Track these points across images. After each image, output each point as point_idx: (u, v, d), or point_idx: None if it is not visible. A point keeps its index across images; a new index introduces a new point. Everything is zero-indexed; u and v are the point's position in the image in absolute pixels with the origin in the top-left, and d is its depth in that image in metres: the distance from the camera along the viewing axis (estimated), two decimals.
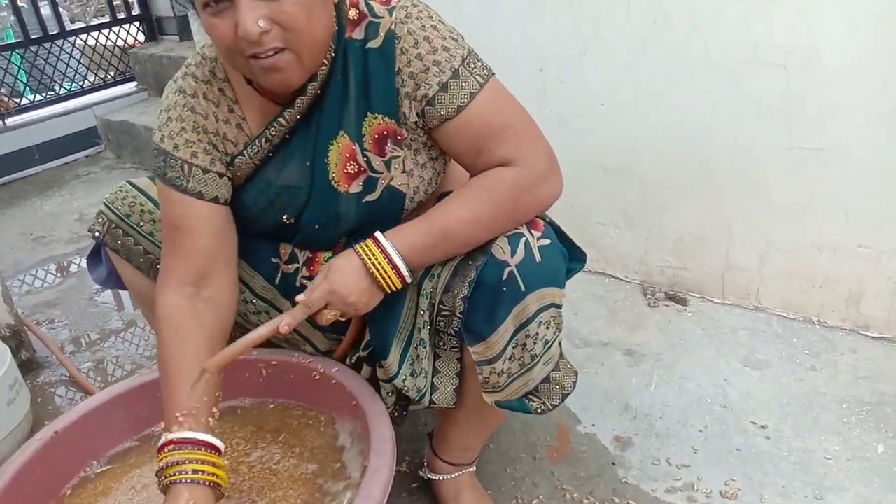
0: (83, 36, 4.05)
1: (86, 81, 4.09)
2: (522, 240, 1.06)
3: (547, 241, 1.07)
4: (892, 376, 1.70)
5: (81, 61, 4.11)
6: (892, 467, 1.45)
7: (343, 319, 1.10)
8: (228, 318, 1.18)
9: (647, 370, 1.80)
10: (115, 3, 4.13)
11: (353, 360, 1.28)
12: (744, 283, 1.99)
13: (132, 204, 1.26)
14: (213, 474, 1.02)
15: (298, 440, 1.24)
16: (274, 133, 1.12)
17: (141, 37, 4.27)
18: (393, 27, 1.07)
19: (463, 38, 1.11)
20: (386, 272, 1.05)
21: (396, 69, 1.08)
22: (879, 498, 1.38)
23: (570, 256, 1.19)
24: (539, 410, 1.12)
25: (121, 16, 4.16)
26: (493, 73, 1.12)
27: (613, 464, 1.51)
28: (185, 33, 3.86)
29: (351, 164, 1.12)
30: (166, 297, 1.12)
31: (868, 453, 1.49)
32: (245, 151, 1.14)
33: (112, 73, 4.15)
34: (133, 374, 1.98)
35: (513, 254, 1.05)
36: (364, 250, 1.06)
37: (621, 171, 2.07)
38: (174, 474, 1.00)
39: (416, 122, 1.10)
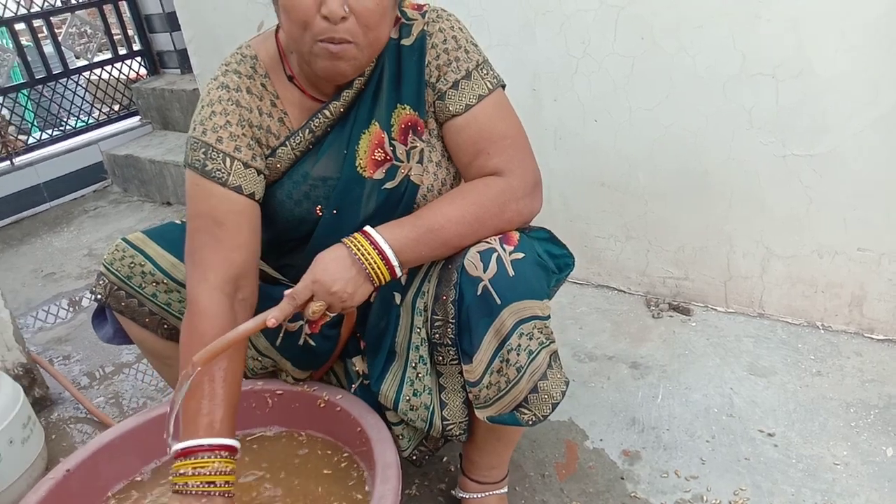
0: (86, 73, 4.12)
1: (90, 117, 4.15)
2: (494, 255, 1.09)
3: (520, 255, 1.10)
4: None
5: (86, 98, 4.17)
6: None
7: (331, 314, 1.10)
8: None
9: (652, 382, 1.81)
10: (115, 38, 4.20)
11: (354, 391, 1.30)
12: (746, 290, 2.00)
13: (132, 265, 1.27)
14: (225, 482, 1.03)
15: (305, 470, 1.26)
16: (317, 125, 1.19)
17: (143, 71, 4.34)
18: (425, 27, 1.19)
19: (480, 48, 1.22)
20: (373, 259, 1.07)
21: (426, 62, 1.18)
22: (890, 503, 1.38)
23: (560, 263, 1.22)
24: (530, 422, 1.13)
25: (122, 51, 4.23)
26: (503, 85, 1.22)
27: (622, 478, 1.52)
28: (185, 66, 3.92)
29: (378, 152, 1.19)
30: (208, 292, 1.11)
31: (877, 457, 1.49)
32: (288, 142, 1.19)
33: (116, 107, 4.21)
34: (145, 406, 2.00)
35: (485, 269, 1.08)
36: (350, 240, 1.08)
37: (619, 186, 2.09)
38: (183, 485, 1.01)
39: (431, 112, 1.19)
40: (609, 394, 1.79)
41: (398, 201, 1.20)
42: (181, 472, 1.01)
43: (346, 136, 1.19)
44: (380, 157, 1.19)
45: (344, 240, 1.09)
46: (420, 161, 1.20)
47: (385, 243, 1.07)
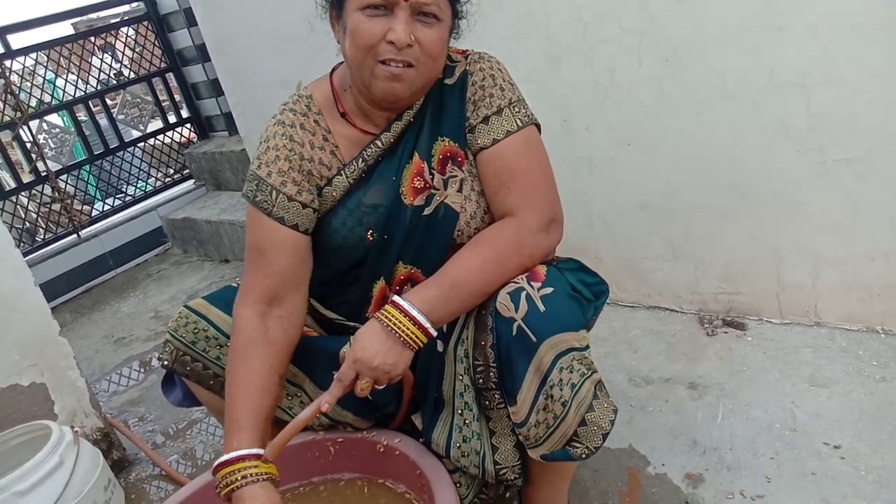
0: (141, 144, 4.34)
1: (149, 182, 4.36)
2: (523, 293, 1.12)
3: (550, 290, 1.13)
4: None
5: (142, 164, 4.38)
6: None
7: (380, 387, 1.15)
8: (294, 336, 1.29)
9: (711, 402, 1.79)
10: (164, 104, 4.42)
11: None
12: (800, 300, 1.97)
13: (195, 331, 1.34)
14: (265, 473, 1.13)
15: None
16: (370, 154, 1.27)
17: (193, 135, 4.54)
18: (468, 67, 1.28)
19: (518, 88, 1.27)
20: (405, 326, 1.12)
21: (467, 97, 1.27)
22: None
23: (595, 290, 1.25)
24: (583, 455, 1.13)
25: (173, 119, 4.44)
26: (536, 124, 1.27)
27: (687, 502, 1.51)
28: (232, 128, 4.09)
29: (418, 180, 1.26)
30: (241, 311, 1.25)
31: None
32: (342, 171, 1.28)
33: (171, 172, 4.41)
34: (215, 462, 2.07)
35: (516, 308, 1.11)
36: (381, 313, 1.14)
37: (660, 206, 2.10)
38: (233, 482, 1.12)
39: (468, 145, 1.25)
40: (668, 417, 1.78)
41: (437, 227, 1.26)
42: (223, 481, 1.14)
43: (394, 165, 1.27)
44: (419, 184, 1.26)
45: (375, 314, 1.14)
46: (460, 190, 1.26)
47: (413, 308, 1.12)
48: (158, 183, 4.35)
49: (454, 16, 1.23)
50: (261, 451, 1.15)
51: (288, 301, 1.27)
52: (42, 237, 3.87)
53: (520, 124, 1.24)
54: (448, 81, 1.28)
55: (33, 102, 3.80)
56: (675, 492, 1.54)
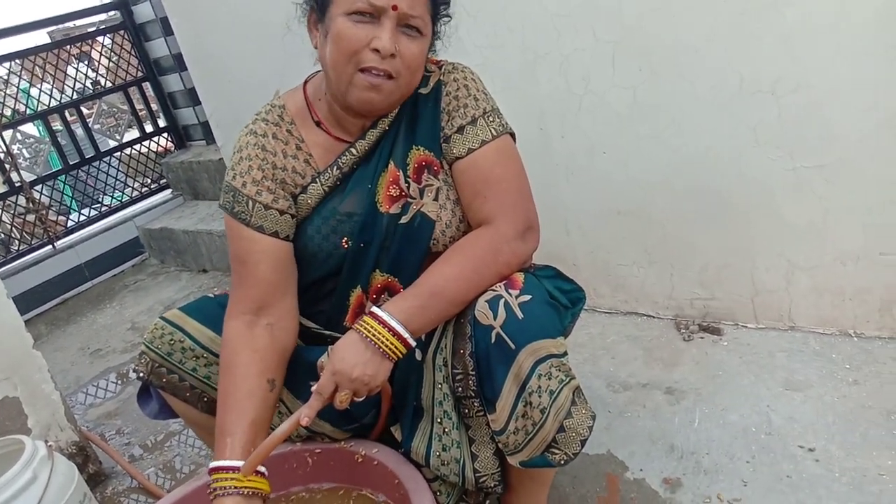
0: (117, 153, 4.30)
1: (126, 192, 4.32)
2: (501, 301, 1.12)
3: (527, 297, 1.13)
4: None
5: (119, 174, 4.34)
6: None
7: (359, 399, 1.15)
8: (286, 341, 1.28)
9: (688, 406, 1.80)
10: (141, 113, 4.39)
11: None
12: (774, 304, 1.99)
13: (171, 342, 1.33)
14: (234, 487, 1.13)
15: None
16: (344, 162, 1.27)
17: (170, 144, 4.51)
18: (441, 77, 1.29)
19: (492, 98, 1.27)
20: (384, 336, 1.11)
21: (441, 108, 1.27)
22: None
23: (571, 297, 1.26)
24: (562, 462, 1.14)
25: (150, 129, 4.40)
26: (511, 133, 1.28)
27: None
28: (210, 137, 4.07)
29: (394, 188, 1.26)
30: (228, 323, 1.26)
31: None
32: (317, 179, 1.28)
33: (149, 180, 4.38)
34: (193, 474, 2.05)
35: (495, 316, 1.11)
36: (359, 324, 1.13)
37: (636, 213, 2.11)
38: (218, 490, 1.12)
39: (443, 155, 1.26)
40: (646, 422, 1.79)
41: (414, 235, 1.26)
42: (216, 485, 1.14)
43: (369, 174, 1.27)
44: (395, 193, 1.26)
45: (354, 325, 1.14)
46: (436, 199, 1.26)
47: (392, 318, 1.12)
48: (135, 193, 4.32)
49: (433, 35, 1.25)
50: (237, 463, 1.14)
51: (276, 308, 1.27)
52: (16, 248, 3.82)
53: (494, 133, 1.25)
54: (422, 91, 1.29)
55: (7, 112, 3.76)
56: (654, 496, 1.55)
